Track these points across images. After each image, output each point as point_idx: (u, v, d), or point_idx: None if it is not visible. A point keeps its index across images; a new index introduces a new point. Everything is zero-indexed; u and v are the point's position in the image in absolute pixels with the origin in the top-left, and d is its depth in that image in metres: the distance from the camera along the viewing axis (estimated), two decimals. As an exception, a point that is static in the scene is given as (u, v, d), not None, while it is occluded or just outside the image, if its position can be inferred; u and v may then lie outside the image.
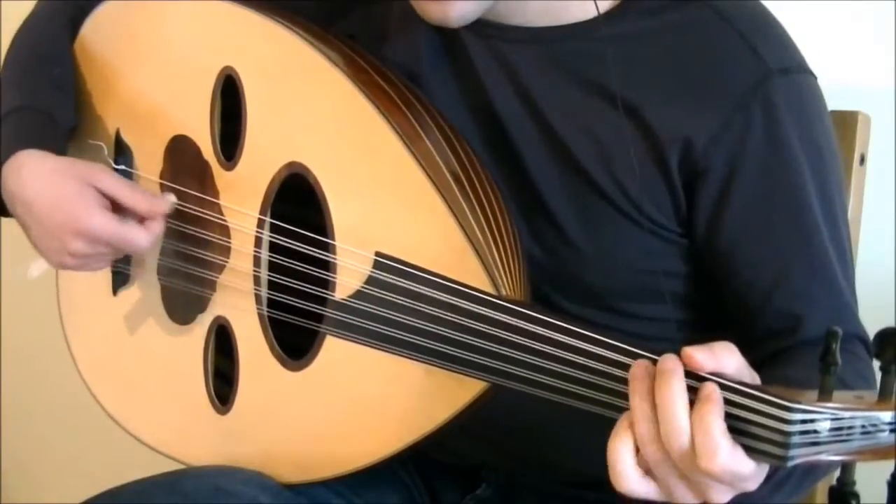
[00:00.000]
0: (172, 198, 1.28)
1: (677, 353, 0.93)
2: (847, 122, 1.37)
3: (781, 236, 1.12)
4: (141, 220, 1.25)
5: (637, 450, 0.88)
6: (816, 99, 1.14)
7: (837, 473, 0.84)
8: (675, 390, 0.85)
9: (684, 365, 0.87)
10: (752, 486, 0.86)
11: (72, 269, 1.27)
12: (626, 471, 0.88)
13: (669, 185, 1.12)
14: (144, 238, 1.24)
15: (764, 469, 0.86)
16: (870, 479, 0.87)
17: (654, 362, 0.90)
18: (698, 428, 0.83)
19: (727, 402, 0.85)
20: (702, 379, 0.86)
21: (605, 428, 0.94)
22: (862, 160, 1.38)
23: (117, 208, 1.24)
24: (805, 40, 1.16)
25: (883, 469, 0.83)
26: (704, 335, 1.15)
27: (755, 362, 0.93)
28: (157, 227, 1.26)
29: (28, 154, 1.25)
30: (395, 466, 1.29)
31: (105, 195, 1.23)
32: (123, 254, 1.31)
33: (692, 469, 0.84)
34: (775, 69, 1.10)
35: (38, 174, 1.24)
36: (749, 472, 0.84)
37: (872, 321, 1.14)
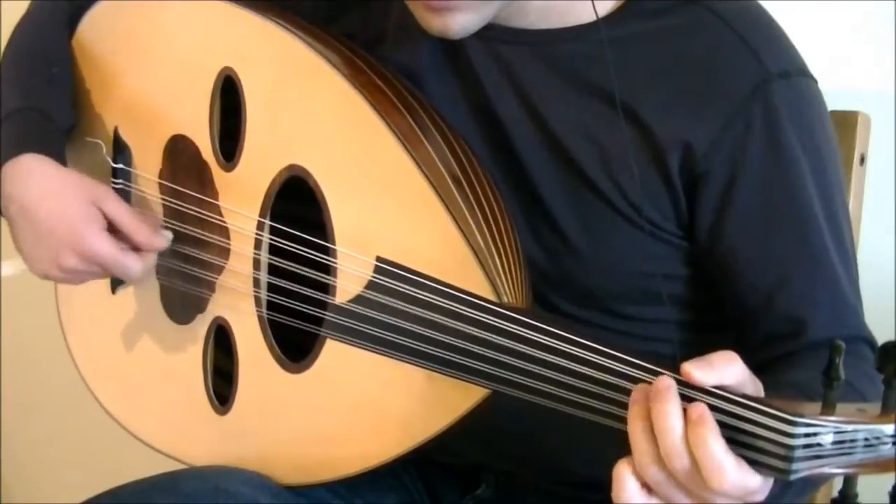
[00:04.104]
0: (170, 235, 1.29)
1: (677, 355, 0.93)
2: (847, 122, 1.36)
3: (783, 239, 1.12)
4: (136, 247, 1.25)
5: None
6: (817, 102, 1.14)
7: (840, 485, 0.84)
8: (670, 411, 0.85)
9: (684, 381, 0.87)
10: (760, 497, 0.86)
11: (53, 280, 1.29)
12: (627, 485, 0.88)
13: (670, 189, 1.12)
14: (139, 268, 1.25)
15: (770, 480, 0.86)
16: (871, 492, 0.88)
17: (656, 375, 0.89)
18: (700, 451, 0.83)
19: (730, 414, 0.85)
20: (704, 395, 0.86)
21: (604, 429, 0.95)
22: (862, 160, 1.38)
23: (113, 230, 1.24)
24: (805, 41, 1.16)
25: (884, 481, 0.84)
26: (706, 336, 1.17)
27: (759, 366, 0.93)
28: (152, 259, 1.27)
29: (33, 159, 1.25)
30: (394, 467, 1.28)
31: (108, 218, 1.24)
32: (110, 276, 1.31)
33: (701, 488, 0.84)
34: (775, 72, 1.10)
35: (45, 184, 1.24)
36: (757, 485, 0.85)
37: (872, 321, 1.15)
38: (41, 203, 1.23)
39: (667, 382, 0.87)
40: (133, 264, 1.24)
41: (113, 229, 1.25)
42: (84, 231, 1.22)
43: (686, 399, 0.86)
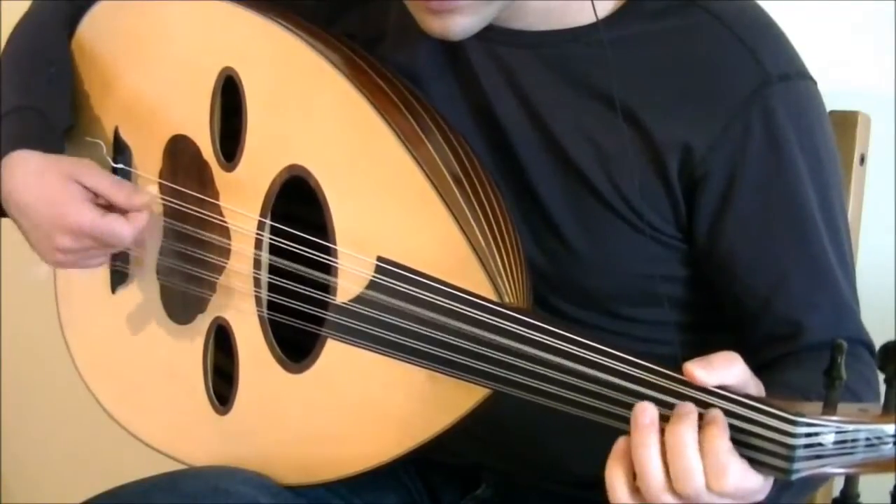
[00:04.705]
0: (153, 190, 1.29)
1: (677, 356, 0.93)
2: (847, 122, 1.36)
3: (781, 242, 1.12)
4: (125, 213, 1.25)
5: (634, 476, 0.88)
6: (816, 104, 1.14)
7: (841, 485, 0.84)
8: (689, 435, 0.85)
9: (686, 381, 0.87)
10: (761, 497, 0.86)
11: (66, 266, 1.29)
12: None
13: (669, 191, 1.12)
14: (127, 230, 1.24)
15: (770, 480, 0.86)
16: (873, 492, 0.88)
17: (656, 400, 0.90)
18: (705, 451, 0.84)
19: (731, 414, 0.85)
20: (704, 395, 0.87)
21: (604, 429, 0.95)
22: (862, 160, 1.38)
23: (101, 203, 1.24)
24: (805, 41, 1.16)
25: (886, 481, 0.84)
26: (705, 337, 1.17)
27: (758, 367, 0.93)
28: (141, 220, 1.25)
29: (21, 154, 1.26)
30: (394, 467, 1.28)
31: (88, 190, 1.24)
32: (111, 248, 1.29)
33: (701, 493, 0.84)
34: (775, 75, 1.10)
35: (27, 173, 1.25)
36: (758, 486, 0.85)
37: (873, 321, 1.15)
38: (26, 192, 1.24)
39: (689, 407, 0.87)
40: (120, 228, 1.24)
41: (104, 205, 1.25)
42: (66, 207, 1.22)
43: (686, 399, 0.87)
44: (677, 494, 0.85)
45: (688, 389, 0.88)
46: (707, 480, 0.84)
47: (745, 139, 1.10)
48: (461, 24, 1.10)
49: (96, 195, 1.25)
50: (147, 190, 1.29)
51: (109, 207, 1.25)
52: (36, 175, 1.25)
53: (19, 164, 1.26)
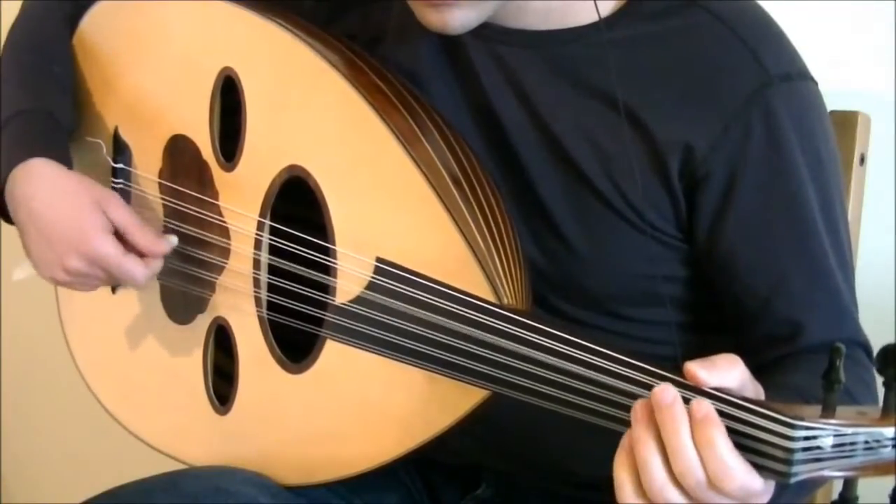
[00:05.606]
0: (174, 240, 1.29)
1: (678, 357, 0.93)
2: (847, 122, 1.36)
3: (781, 243, 1.12)
4: (142, 254, 1.25)
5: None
6: (817, 105, 1.14)
7: (840, 488, 0.84)
8: (682, 430, 0.84)
9: (685, 382, 0.87)
10: (764, 499, 0.86)
11: (60, 283, 1.29)
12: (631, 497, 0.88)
13: (670, 191, 1.12)
14: (142, 273, 1.25)
15: (772, 483, 0.86)
16: (872, 494, 0.88)
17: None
18: (707, 453, 0.83)
19: (730, 417, 0.85)
20: (702, 394, 0.86)
21: (604, 429, 0.95)
22: (862, 160, 1.38)
23: (119, 238, 1.25)
24: (805, 41, 1.16)
25: (885, 484, 0.84)
26: (705, 338, 1.17)
27: (757, 368, 0.93)
28: (157, 267, 1.27)
29: (42, 163, 1.25)
30: (394, 467, 1.28)
31: (113, 223, 1.24)
32: (115, 282, 1.30)
33: (705, 492, 0.84)
34: (776, 76, 1.10)
35: (52, 188, 1.25)
36: (761, 488, 0.85)
37: (872, 321, 1.15)
38: (49, 206, 1.24)
39: (669, 396, 0.86)
40: (137, 269, 1.24)
41: (119, 238, 1.25)
42: (90, 233, 1.23)
43: (687, 401, 0.87)
44: (681, 488, 0.85)
45: (687, 392, 0.87)
46: (712, 481, 0.84)
47: (746, 139, 1.10)
48: (460, 17, 1.10)
49: (117, 230, 1.25)
50: (168, 238, 1.29)
51: (123, 239, 1.25)
52: (67, 193, 1.24)
53: (43, 175, 1.25)
